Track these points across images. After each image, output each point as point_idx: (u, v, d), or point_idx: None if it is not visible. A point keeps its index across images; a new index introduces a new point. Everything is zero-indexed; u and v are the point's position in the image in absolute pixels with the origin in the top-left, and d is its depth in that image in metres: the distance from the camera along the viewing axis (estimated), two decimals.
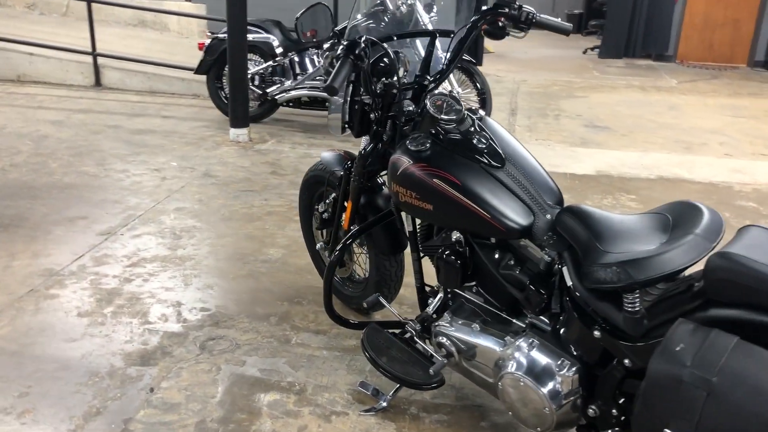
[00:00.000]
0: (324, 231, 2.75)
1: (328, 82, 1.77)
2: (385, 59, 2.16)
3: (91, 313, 2.80)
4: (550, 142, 5.55)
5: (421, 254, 2.34)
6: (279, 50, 5.55)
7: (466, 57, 5.40)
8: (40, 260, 3.22)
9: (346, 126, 2.31)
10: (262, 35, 5.60)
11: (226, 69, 5.32)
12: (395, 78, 2.20)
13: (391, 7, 2.64)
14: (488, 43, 8.71)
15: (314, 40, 5.34)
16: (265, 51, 5.61)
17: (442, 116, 2.05)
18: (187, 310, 2.85)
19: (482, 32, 2.21)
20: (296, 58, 5.58)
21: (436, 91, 2.16)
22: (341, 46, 1.89)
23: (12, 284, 2.99)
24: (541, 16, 2.15)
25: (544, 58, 9.90)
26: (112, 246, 3.41)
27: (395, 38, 2.21)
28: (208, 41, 5.68)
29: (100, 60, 6.83)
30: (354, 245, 2.69)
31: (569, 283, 1.84)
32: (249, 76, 5.47)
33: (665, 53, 9.91)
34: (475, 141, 2.05)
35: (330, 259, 2.35)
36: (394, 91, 2.16)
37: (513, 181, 2.00)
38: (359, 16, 2.38)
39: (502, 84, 7.71)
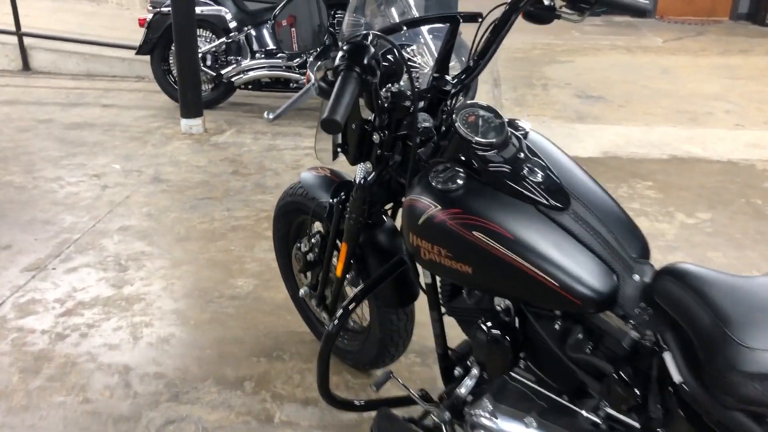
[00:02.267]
0: (310, 272, 2.14)
1: (326, 113, 1.14)
2: (389, 56, 1.54)
3: (12, 392, 2.16)
4: (543, 118, 4.98)
5: (444, 313, 1.76)
6: (233, 24, 4.83)
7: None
8: None
9: (339, 150, 1.70)
10: (213, 7, 4.86)
11: (173, 48, 4.59)
12: (404, 83, 1.58)
13: None
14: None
15: (296, 45, 4.67)
16: (216, 26, 4.89)
17: (478, 138, 1.46)
18: (137, 378, 2.23)
19: (522, 15, 1.61)
20: (253, 33, 4.87)
21: (465, 100, 1.55)
22: (341, 53, 1.24)
23: None
24: None
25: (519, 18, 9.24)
26: (42, 286, 2.75)
27: (405, 28, 1.58)
28: (149, 16, 4.92)
29: (27, 40, 5.98)
30: (347, 285, 2.09)
31: (676, 378, 1.29)
32: (200, 55, 4.76)
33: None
34: (526, 172, 1.46)
35: (327, 329, 1.75)
36: (407, 103, 1.54)
37: (583, 227, 1.42)
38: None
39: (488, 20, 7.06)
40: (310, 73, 1.46)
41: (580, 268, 1.37)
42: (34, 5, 7.09)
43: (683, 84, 5.96)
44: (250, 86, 4.93)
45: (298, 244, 2.10)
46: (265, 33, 4.87)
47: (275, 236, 2.34)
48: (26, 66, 6.04)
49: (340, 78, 1.21)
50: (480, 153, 1.46)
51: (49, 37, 5.96)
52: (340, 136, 1.68)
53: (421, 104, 1.63)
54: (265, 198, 3.57)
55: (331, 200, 1.92)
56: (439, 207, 1.44)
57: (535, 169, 1.46)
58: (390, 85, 1.57)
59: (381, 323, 2.01)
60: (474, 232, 1.40)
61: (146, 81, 5.71)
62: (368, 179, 1.70)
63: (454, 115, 1.50)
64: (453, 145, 1.51)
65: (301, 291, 2.16)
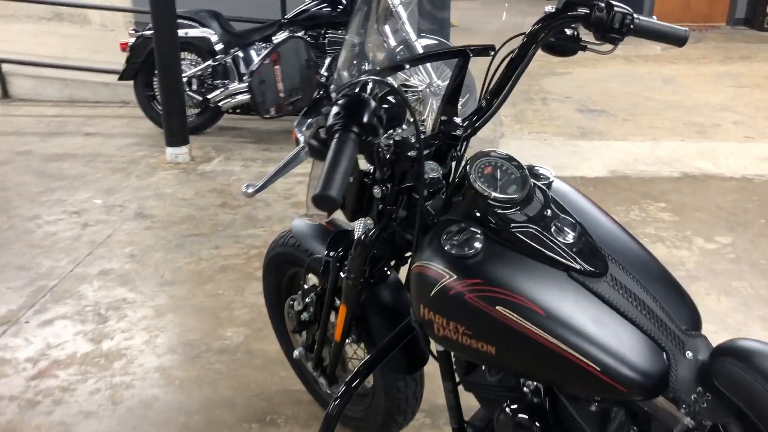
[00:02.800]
0: (306, 331, 1.92)
1: (318, 187, 0.92)
2: (390, 98, 1.33)
3: None
4: (545, 135, 4.77)
5: (459, 383, 1.55)
6: (219, 47, 4.61)
7: (432, 38, 4.57)
8: None
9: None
10: (197, 29, 4.64)
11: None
12: (405, 128, 1.37)
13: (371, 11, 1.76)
14: (452, 17, 7.89)
15: (291, 100, 4.43)
16: (202, 48, 4.67)
17: (497, 194, 1.24)
18: None
19: (542, 47, 1.40)
20: (241, 55, 4.65)
21: (482, 148, 1.33)
22: (335, 108, 1.01)
23: None
24: (642, 18, 1.34)
25: (515, 27, 9.05)
26: (13, 343, 2.52)
27: (407, 66, 1.36)
28: (131, 40, 4.70)
29: (5, 66, 5.75)
30: (348, 345, 1.86)
31: None
32: (185, 79, 4.55)
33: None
34: (554, 231, 1.24)
35: (327, 410, 1.53)
36: (412, 152, 1.33)
37: (625, 296, 1.21)
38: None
39: (475, 63, 6.87)
40: (298, 134, 1.23)
41: (625, 347, 1.15)
42: (16, 28, 6.88)
43: (688, 94, 5.76)
44: (238, 110, 4.71)
45: (291, 302, 1.87)
46: (253, 55, 4.66)
47: (266, 289, 2.12)
48: (5, 93, 5.80)
49: (335, 141, 0.99)
50: (500, 211, 1.25)
51: (28, 63, 5.73)
52: None
53: (427, 151, 1.41)
54: (255, 233, 3.35)
55: (327, 254, 1.70)
56: (455, 276, 1.22)
57: (565, 228, 1.25)
58: (392, 131, 1.36)
59: (386, 390, 1.78)
60: (497, 307, 1.18)
61: (131, 106, 5.47)
62: (369, 236, 1.49)
63: (467, 167, 1.29)
64: (467, 202, 1.29)
65: (296, 352, 1.93)
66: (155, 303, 2.76)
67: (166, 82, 4.17)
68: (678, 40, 1.36)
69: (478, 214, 1.27)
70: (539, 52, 1.41)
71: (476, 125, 1.44)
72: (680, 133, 4.77)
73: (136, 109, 5.06)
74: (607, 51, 1.35)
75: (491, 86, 1.42)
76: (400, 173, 1.37)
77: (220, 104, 4.62)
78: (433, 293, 1.24)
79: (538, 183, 1.34)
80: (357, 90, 1.10)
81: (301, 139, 1.24)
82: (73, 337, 2.55)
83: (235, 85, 4.60)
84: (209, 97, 4.62)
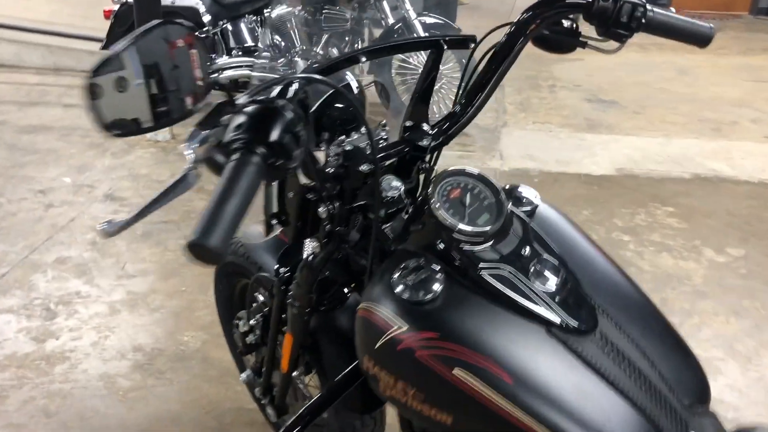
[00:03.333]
0: (255, 353, 1.68)
1: (195, 232, 0.66)
2: (337, 103, 1.08)
3: None
4: (550, 126, 4.49)
5: None
6: (207, 18, 4.33)
7: (435, 17, 4.28)
8: None
9: (273, 222, 1.23)
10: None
11: None
12: (360, 133, 1.11)
13: None
14: None
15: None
16: (188, 19, 4.38)
17: (463, 226, 1.00)
18: None
19: (532, 41, 1.14)
20: (229, 27, 4.38)
21: (449, 166, 1.08)
22: (238, 118, 0.74)
23: None
24: (657, 11, 1.08)
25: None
26: None
27: (363, 59, 1.10)
28: (115, 7, 4.43)
29: None
30: (301, 373, 1.63)
31: None
32: None
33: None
34: (533, 274, 1.00)
35: None
36: (365, 168, 1.07)
37: (616, 361, 0.97)
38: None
39: (484, 46, 6.56)
40: (186, 150, 0.98)
41: (612, 426, 0.91)
42: None
43: (703, 87, 5.46)
44: (226, 86, 4.44)
45: (237, 321, 1.63)
46: (243, 28, 4.38)
47: (217, 300, 1.89)
48: None
49: (230, 166, 0.74)
50: (466, 247, 1.00)
51: (11, 27, 5.46)
52: (275, 203, 1.22)
53: (390, 162, 1.16)
54: None
55: (276, 271, 1.45)
56: (405, 327, 0.98)
57: (547, 271, 1.00)
58: (345, 137, 1.11)
59: (341, 429, 1.55)
60: (455, 370, 0.94)
61: None
62: (316, 259, 1.24)
63: (430, 188, 1.04)
64: (427, 232, 1.04)
65: (243, 376, 1.70)
66: (111, 299, 2.53)
67: None
68: (700, 40, 1.09)
69: (440, 248, 1.02)
70: (529, 46, 1.15)
71: (449, 133, 1.19)
72: (694, 130, 4.48)
73: None
74: (611, 50, 1.09)
75: (469, 86, 1.16)
76: (352, 189, 1.12)
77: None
78: (378, 345, 1.00)
79: (518, 211, 1.08)
80: (274, 94, 0.84)
81: (191, 158, 0.99)
82: (15, 335, 2.33)
83: (223, 60, 4.33)
84: None
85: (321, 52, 4.44)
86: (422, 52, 3.99)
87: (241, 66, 4.30)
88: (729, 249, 2.99)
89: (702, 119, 4.69)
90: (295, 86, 0.86)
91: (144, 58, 0.99)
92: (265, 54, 4.40)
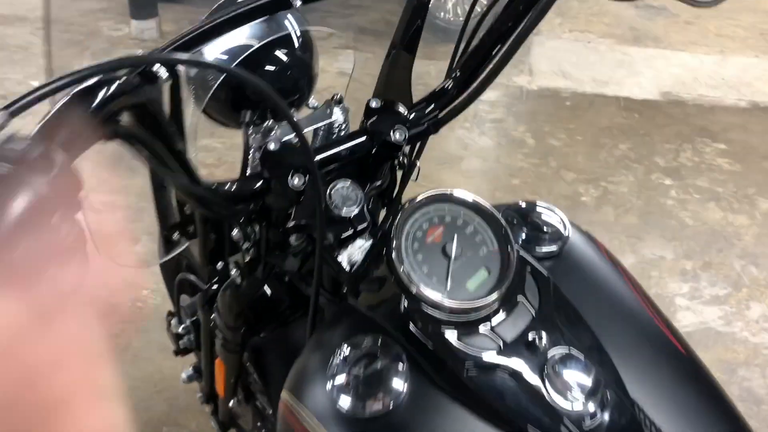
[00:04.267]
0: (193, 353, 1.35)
1: None
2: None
3: None
4: (589, 35, 3.94)
5: None
6: None
7: None
8: None
9: (176, 238, 0.85)
10: None
11: None
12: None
13: None
14: None
15: None
16: None
17: (446, 302, 0.62)
18: None
19: None
20: None
21: (428, 188, 0.68)
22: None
23: None
24: None
25: None
26: None
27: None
28: None
29: None
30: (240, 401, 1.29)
31: None
32: None
33: None
34: (549, 376, 0.62)
35: None
36: (297, 182, 0.68)
37: None
38: None
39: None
40: None
41: None
42: None
43: None
44: None
45: (168, 318, 1.30)
46: None
47: (166, 281, 1.53)
48: None
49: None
50: (449, 334, 0.62)
51: None
52: (176, 212, 0.84)
53: (334, 165, 0.76)
54: (211, 144, 2.72)
55: (208, 283, 1.08)
56: None
57: (574, 370, 0.63)
58: (274, 131, 0.72)
59: None
60: None
61: None
62: (240, 288, 0.87)
63: (393, 225, 0.65)
64: (389, 295, 0.66)
65: (183, 375, 1.39)
66: None
67: None
68: None
69: (408, 329, 0.64)
70: None
71: (439, 117, 0.78)
72: (755, 47, 3.90)
73: None
74: (707, 2, 0.66)
75: (468, 50, 0.74)
76: (279, 209, 0.73)
77: None
78: None
79: (534, 261, 0.69)
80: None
81: None
82: None
83: None
84: None
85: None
86: None
87: None
88: None
89: (766, 33, 4.09)
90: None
91: None
92: None
